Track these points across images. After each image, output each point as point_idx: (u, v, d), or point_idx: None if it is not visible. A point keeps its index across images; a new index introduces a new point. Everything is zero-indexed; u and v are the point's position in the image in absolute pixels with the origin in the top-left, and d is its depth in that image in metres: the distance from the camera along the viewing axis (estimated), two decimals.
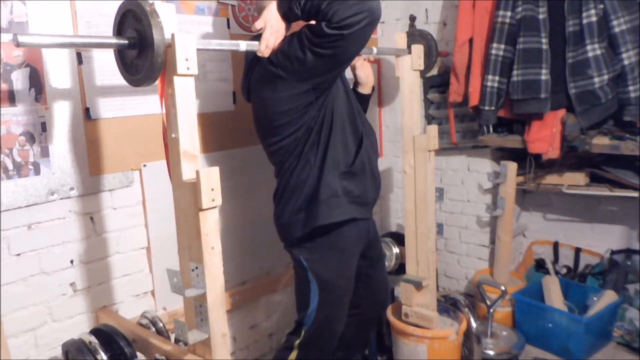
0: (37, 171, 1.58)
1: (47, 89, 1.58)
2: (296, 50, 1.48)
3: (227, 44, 1.53)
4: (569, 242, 2.87)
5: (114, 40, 1.27)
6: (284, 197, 1.73)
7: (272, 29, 1.49)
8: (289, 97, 1.59)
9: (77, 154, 1.67)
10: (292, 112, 1.61)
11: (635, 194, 2.38)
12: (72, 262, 1.69)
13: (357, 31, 1.41)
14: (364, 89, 2.00)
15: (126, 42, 1.26)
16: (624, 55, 2.26)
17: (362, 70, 1.97)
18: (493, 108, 2.51)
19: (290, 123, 1.63)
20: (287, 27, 1.53)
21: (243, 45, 1.49)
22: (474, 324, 2.24)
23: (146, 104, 1.83)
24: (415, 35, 2.30)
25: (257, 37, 1.53)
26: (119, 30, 1.31)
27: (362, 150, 1.72)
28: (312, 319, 1.74)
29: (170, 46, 1.22)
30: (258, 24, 1.51)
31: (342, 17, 1.38)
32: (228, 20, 2.08)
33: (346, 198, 1.68)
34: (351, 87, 1.92)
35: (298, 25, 1.56)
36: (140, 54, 1.25)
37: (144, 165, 1.84)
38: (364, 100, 2.01)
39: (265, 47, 1.49)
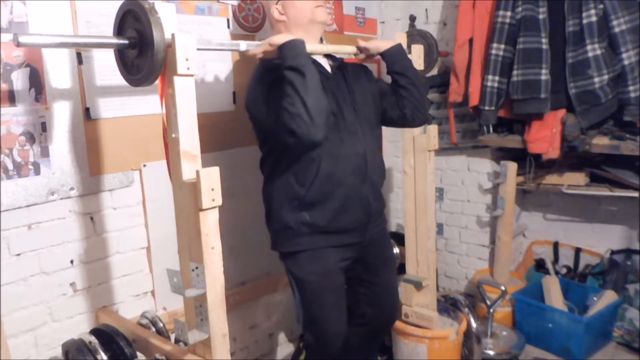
0: (37, 171, 1.58)
1: (47, 89, 1.58)
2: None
3: (228, 44, 1.53)
4: (569, 242, 2.87)
5: (114, 40, 1.27)
6: (267, 211, 1.79)
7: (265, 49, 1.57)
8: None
9: (77, 154, 1.67)
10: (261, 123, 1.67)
11: (635, 194, 2.38)
12: (72, 262, 1.69)
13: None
14: (390, 63, 1.80)
15: (126, 42, 1.26)
16: (624, 55, 2.26)
17: (367, 51, 1.84)
18: (493, 108, 2.51)
19: (260, 131, 1.70)
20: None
21: (243, 45, 1.50)
22: (474, 324, 2.24)
23: (146, 104, 1.83)
24: (415, 35, 2.30)
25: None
26: (119, 30, 1.31)
27: (322, 179, 1.63)
28: (302, 316, 1.77)
29: (170, 46, 1.22)
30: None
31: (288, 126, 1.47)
32: (228, 20, 2.08)
33: (305, 228, 1.67)
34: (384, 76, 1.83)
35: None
36: (141, 53, 1.25)
37: (144, 165, 1.84)
38: (405, 81, 1.78)
39: (252, 54, 1.57)
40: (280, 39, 1.54)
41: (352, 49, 1.85)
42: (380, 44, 1.82)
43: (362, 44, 1.84)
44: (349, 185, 1.67)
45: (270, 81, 1.59)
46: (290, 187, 1.65)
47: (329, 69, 1.76)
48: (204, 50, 1.41)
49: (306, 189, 1.63)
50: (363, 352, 2.04)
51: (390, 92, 1.83)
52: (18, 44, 1.09)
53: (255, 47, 1.55)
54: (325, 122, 1.51)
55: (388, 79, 1.86)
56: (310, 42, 1.64)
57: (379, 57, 1.85)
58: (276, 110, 1.50)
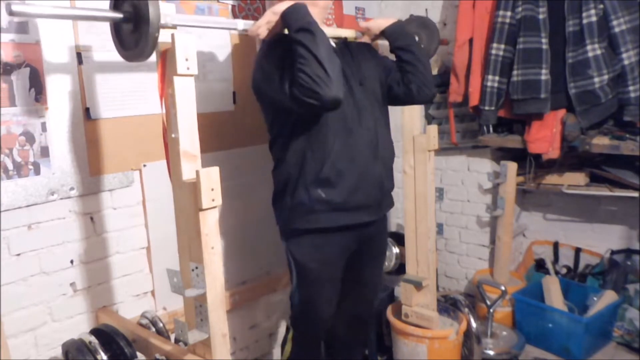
0: (37, 171, 1.58)
1: (47, 89, 1.58)
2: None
3: (225, 22, 1.53)
4: (569, 242, 2.87)
5: (110, 14, 1.26)
6: (277, 189, 1.76)
7: (269, 19, 1.53)
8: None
9: (77, 154, 1.67)
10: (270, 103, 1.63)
11: (635, 194, 2.38)
12: (72, 262, 1.69)
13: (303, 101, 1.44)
14: (392, 39, 1.79)
15: (121, 15, 1.24)
16: (624, 55, 2.26)
17: (369, 30, 1.84)
18: (493, 108, 2.51)
19: (271, 110, 1.66)
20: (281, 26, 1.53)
21: (241, 24, 1.49)
22: (474, 324, 2.24)
23: (146, 104, 1.83)
24: (413, 21, 2.23)
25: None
26: (115, 4, 1.30)
27: (337, 155, 1.61)
28: (296, 298, 1.78)
29: (164, 26, 1.23)
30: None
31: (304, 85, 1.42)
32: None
33: (321, 206, 1.63)
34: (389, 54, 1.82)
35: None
36: (136, 28, 1.25)
37: (144, 165, 1.84)
38: (409, 56, 1.76)
39: (256, 29, 1.53)
40: (281, 6, 1.51)
41: (352, 32, 1.83)
42: (380, 22, 1.82)
43: (362, 24, 1.84)
44: (362, 161, 1.65)
45: (278, 54, 1.54)
46: (304, 164, 1.62)
47: (333, 44, 1.70)
48: (201, 28, 1.40)
49: (321, 165, 1.60)
50: (355, 343, 2.07)
51: (395, 68, 1.81)
52: (11, 13, 1.08)
53: (254, 25, 1.52)
54: (341, 80, 1.47)
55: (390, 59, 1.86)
56: None
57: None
58: (290, 79, 1.46)
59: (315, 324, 1.83)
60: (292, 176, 1.65)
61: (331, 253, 1.72)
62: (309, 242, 1.69)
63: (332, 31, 1.78)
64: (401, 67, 1.78)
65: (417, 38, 1.99)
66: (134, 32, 1.26)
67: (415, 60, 1.76)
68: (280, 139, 1.67)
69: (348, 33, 1.82)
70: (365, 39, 1.88)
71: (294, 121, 1.59)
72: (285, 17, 1.48)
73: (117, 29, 1.35)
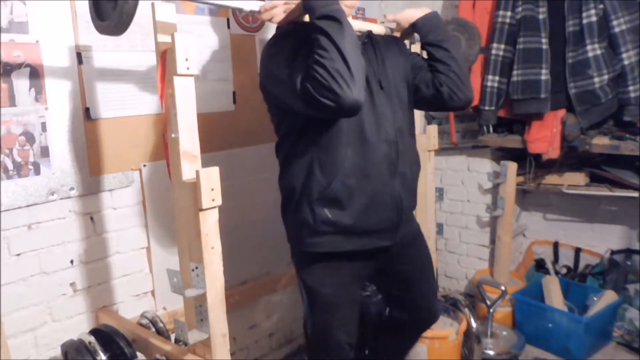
0: (37, 171, 1.58)
1: (47, 89, 1.58)
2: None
3: (233, 3, 1.34)
4: (569, 242, 2.87)
5: None
6: (283, 201, 1.56)
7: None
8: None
9: (77, 154, 1.67)
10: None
11: (635, 194, 2.38)
12: (72, 262, 1.69)
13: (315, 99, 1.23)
14: (423, 33, 1.57)
15: None
16: (624, 55, 2.26)
17: (399, 23, 1.63)
18: (493, 108, 2.51)
19: (278, 109, 1.46)
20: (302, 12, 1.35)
21: (252, 5, 1.33)
22: (474, 324, 2.24)
23: (146, 104, 1.83)
24: (451, 24, 2.06)
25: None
26: None
27: (347, 170, 1.39)
28: (309, 325, 1.59)
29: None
30: None
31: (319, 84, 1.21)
32: (228, 20, 2.08)
33: (326, 227, 1.42)
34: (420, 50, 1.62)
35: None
36: None
37: (144, 165, 1.84)
38: (441, 53, 1.53)
39: (265, 11, 1.35)
40: None
41: (380, 27, 1.64)
42: (410, 14, 1.59)
43: (390, 16, 1.63)
44: (377, 178, 1.41)
45: (289, 47, 1.33)
46: (309, 177, 1.40)
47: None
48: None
49: (329, 181, 1.38)
50: (393, 357, 1.88)
51: (425, 67, 1.57)
52: None
53: (267, 4, 1.32)
54: (364, 83, 1.25)
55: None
56: None
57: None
58: (302, 73, 1.24)
59: (332, 353, 1.58)
60: (295, 189, 1.44)
61: (343, 278, 1.51)
62: (319, 264, 1.48)
63: (357, 24, 1.54)
64: (432, 66, 1.55)
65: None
66: (109, 1, 1.14)
67: (449, 58, 1.52)
68: (286, 145, 1.48)
69: (374, 27, 1.61)
70: (395, 34, 1.68)
71: (303, 125, 1.39)
72: (309, 1, 1.27)
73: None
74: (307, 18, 1.32)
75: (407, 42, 1.78)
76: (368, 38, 1.53)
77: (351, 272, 1.52)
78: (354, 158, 1.39)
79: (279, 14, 1.34)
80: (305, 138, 1.41)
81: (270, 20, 1.35)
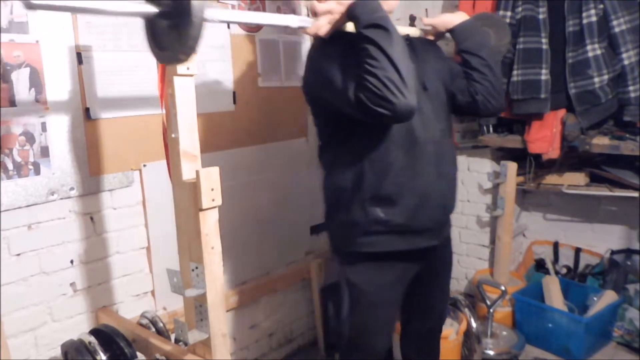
0: (37, 171, 1.58)
1: (47, 89, 1.58)
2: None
3: (277, 18, 1.31)
4: (569, 242, 2.87)
5: (140, 8, 1.06)
6: (329, 202, 1.54)
7: (331, 9, 1.32)
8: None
9: (77, 154, 1.67)
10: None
11: (635, 194, 2.38)
12: (72, 262, 1.69)
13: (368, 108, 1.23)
14: (460, 40, 1.57)
15: (156, 10, 1.05)
16: (624, 55, 2.26)
17: (433, 28, 1.61)
18: None
19: (323, 113, 1.47)
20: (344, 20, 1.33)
21: (296, 21, 1.31)
22: (474, 324, 2.24)
23: (146, 104, 1.83)
24: (479, 19, 2.01)
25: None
26: None
27: (398, 170, 1.40)
28: (346, 327, 1.55)
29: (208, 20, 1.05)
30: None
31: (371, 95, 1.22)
32: None
33: (378, 227, 1.43)
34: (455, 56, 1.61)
35: None
36: (173, 25, 1.05)
37: (144, 165, 1.84)
38: (477, 61, 1.54)
39: (316, 27, 1.34)
40: None
41: (417, 31, 1.63)
42: (448, 19, 1.60)
43: (427, 20, 1.63)
44: (425, 178, 1.43)
45: (339, 52, 1.32)
46: (360, 177, 1.41)
47: None
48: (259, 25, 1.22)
49: (381, 181, 1.39)
50: None
51: (461, 74, 1.58)
52: (30, 7, 0.92)
53: (310, 22, 1.30)
54: (415, 88, 1.25)
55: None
56: None
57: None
58: (356, 82, 1.24)
59: (369, 358, 1.58)
60: (346, 190, 1.45)
61: (391, 276, 1.51)
62: (367, 264, 1.48)
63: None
64: (467, 73, 1.56)
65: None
66: (173, 29, 1.06)
67: (484, 67, 1.54)
68: (333, 147, 1.48)
69: (411, 31, 1.60)
70: (429, 37, 1.67)
71: (352, 129, 1.39)
72: (354, 10, 1.26)
73: (151, 25, 1.14)
74: (350, 26, 1.32)
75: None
76: (408, 41, 1.51)
77: (396, 272, 1.52)
78: (404, 158, 1.40)
79: (325, 26, 1.33)
80: (355, 140, 1.42)
81: (316, 33, 1.34)
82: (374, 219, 1.42)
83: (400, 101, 1.19)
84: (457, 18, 1.59)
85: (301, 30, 1.34)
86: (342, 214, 1.47)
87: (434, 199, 1.46)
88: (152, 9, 1.05)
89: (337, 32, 1.35)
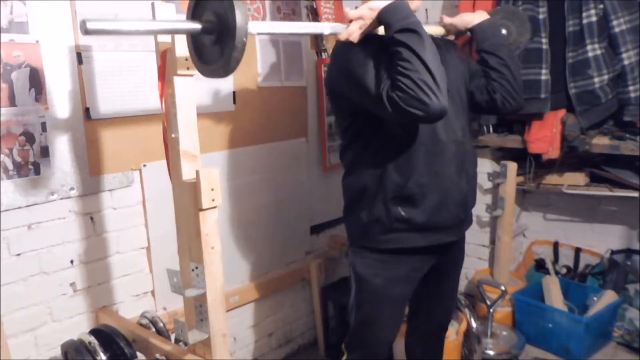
0: (37, 171, 1.58)
1: (47, 89, 1.58)
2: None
3: (311, 26, 1.36)
4: (569, 242, 2.87)
5: (183, 26, 1.11)
6: (350, 200, 1.58)
7: (362, 14, 1.34)
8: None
9: (77, 154, 1.67)
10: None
11: (635, 194, 2.38)
12: (72, 262, 1.69)
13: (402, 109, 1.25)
14: (479, 39, 1.59)
15: (199, 27, 1.09)
16: (624, 55, 2.26)
17: (453, 27, 1.64)
18: None
19: (346, 117, 1.49)
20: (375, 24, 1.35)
21: (327, 28, 1.34)
22: (474, 324, 2.24)
23: (146, 103, 1.83)
24: (499, 12, 2.00)
25: None
26: (194, 12, 1.14)
27: (421, 169, 1.42)
28: (353, 317, 1.60)
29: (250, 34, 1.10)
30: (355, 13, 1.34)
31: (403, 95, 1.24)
32: None
33: (400, 225, 1.46)
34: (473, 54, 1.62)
35: None
36: (218, 40, 1.10)
37: (144, 165, 1.84)
38: (496, 61, 1.57)
39: (348, 32, 1.36)
40: (379, 3, 1.31)
41: (439, 29, 1.66)
42: (468, 18, 1.62)
43: (447, 20, 1.65)
44: (447, 177, 1.46)
45: (370, 53, 1.34)
46: (384, 176, 1.44)
47: None
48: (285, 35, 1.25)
49: (405, 180, 1.42)
50: None
51: (479, 73, 1.62)
52: (86, 32, 0.95)
53: (342, 28, 1.32)
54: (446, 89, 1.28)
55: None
56: None
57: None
58: (389, 83, 1.26)
59: (372, 350, 1.62)
60: (369, 188, 1.47)
61: (401, 272, 1.53)
62: (379, 257, 1.52)
63: None
64: (486, 72, 1.60)
65: (504, 31, 1.80)
66: (216, 44, 1.10)
67: (503, 66, 1.57)
68: (356, 145, 1.50)
69: (433, 30, 1.61)
70: (450, 37, 1.70)
71: (376, 128, 1.42)
72: (386, 15, 1.29)
73: (195, 40, 1.18)
74: (381, 30, 1.34)
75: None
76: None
77: (408, 267, 1.54)
78: (427, 158, 1.43)
79: (356, 31, 1.35)
80: (378, 139, 1.45)
81: (347, 38, 1.36)
82: (396, 218, 1.45)
83: (433, 102, 1.22)
84: (477, 17, 1.62)
85: (334, 35, 1.36)
86: (363, 212, 1.50)
87: (455, 197, 1.49)
88: (196, 27, 1.09)
89: (367, 36, 1.37)
